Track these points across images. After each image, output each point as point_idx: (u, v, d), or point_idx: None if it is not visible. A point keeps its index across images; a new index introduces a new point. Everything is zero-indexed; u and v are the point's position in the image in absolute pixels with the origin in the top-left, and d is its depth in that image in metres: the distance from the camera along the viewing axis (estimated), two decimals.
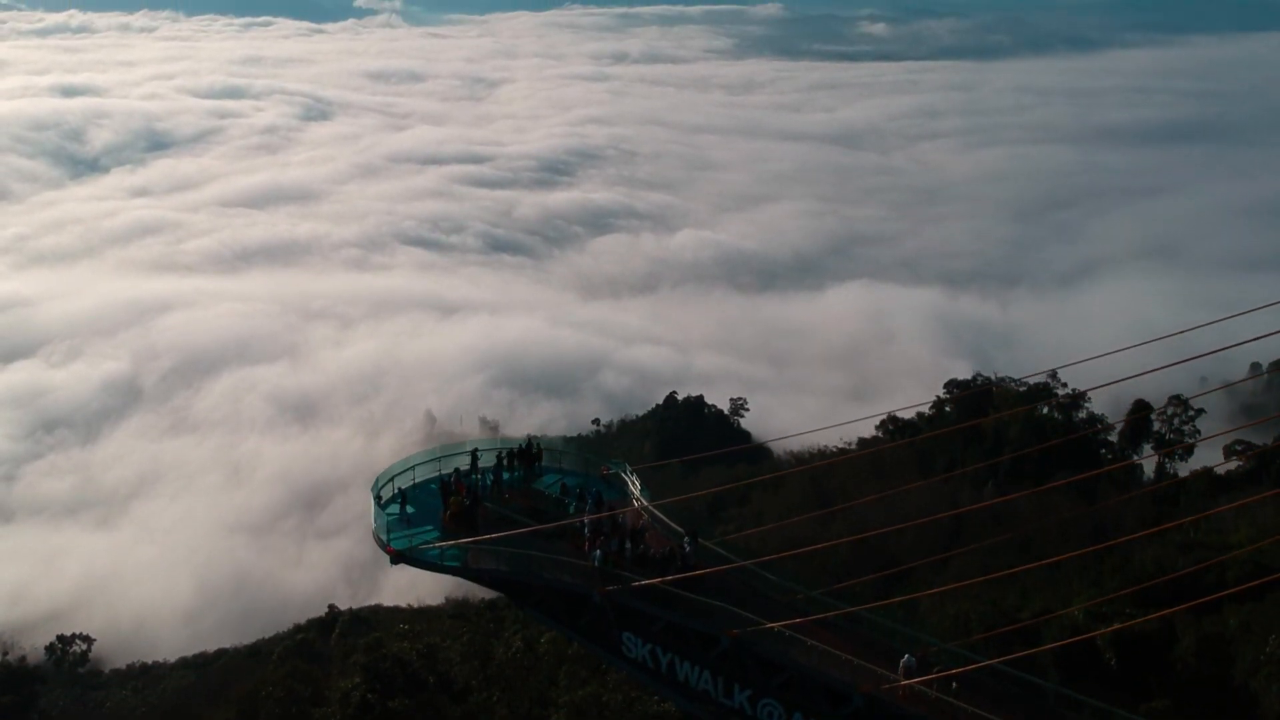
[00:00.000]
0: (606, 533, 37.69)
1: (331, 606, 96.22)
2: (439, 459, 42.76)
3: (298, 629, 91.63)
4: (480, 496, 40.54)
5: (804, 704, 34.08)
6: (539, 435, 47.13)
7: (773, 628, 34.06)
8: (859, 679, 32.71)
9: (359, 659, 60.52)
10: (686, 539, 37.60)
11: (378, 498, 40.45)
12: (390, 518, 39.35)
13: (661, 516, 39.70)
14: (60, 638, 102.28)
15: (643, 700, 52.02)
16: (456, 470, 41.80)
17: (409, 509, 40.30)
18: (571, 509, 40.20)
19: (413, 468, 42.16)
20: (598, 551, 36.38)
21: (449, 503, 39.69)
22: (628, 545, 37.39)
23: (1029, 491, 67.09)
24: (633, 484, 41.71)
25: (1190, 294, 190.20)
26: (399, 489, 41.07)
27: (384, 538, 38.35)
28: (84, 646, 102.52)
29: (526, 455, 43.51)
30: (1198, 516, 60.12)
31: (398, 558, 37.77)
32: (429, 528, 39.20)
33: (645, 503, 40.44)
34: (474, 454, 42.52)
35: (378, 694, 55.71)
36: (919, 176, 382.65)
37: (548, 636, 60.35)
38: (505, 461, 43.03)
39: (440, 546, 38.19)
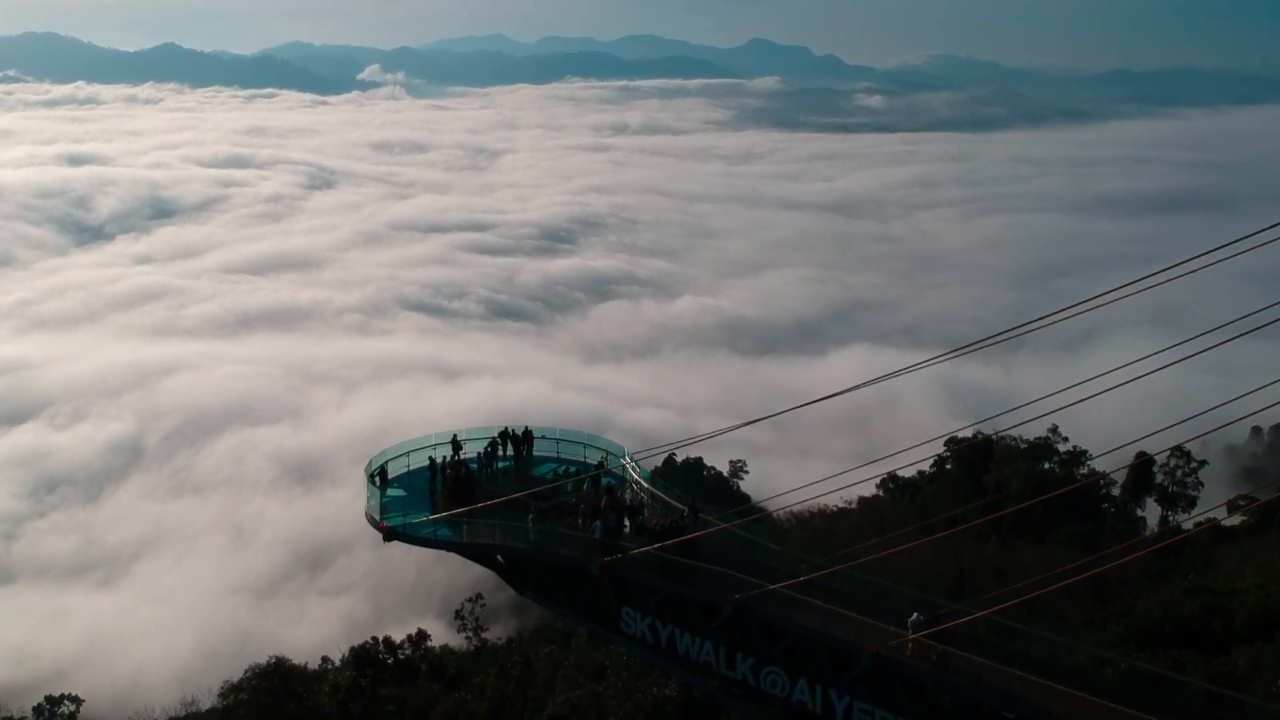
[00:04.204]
0: (604, 508, 37.38)
1: (325, 659, 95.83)
2: (433, 445, 42.66)
3: None
4: (475, 479, 40.40)
5: (809, 670, 33.19)
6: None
7: (774, 589, 33.24)
8: (865, 639, 31.88)
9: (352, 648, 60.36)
10: (687, 512, 37.33)
11: (371, 478, 40.25)
12: (386, 499, 39.33)
13: (661, 495, 39.46)
14: (48, 698, 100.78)
15: (641, 690, 51.86)
16: (449, 457, 41.78)
17: (401, 491, 40.17)
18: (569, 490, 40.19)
19: (408, 454, 42.11)
20: (597, 524, 36.06)
21: (445, 477, 39.53)
22: (626, 521, 37.24)
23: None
24: (632, 468, 41.74)
25: (1189, 358, 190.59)
26: (386, 469, 40.90)
27: (377, 517, 38.28)
28: (73, 708, 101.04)
29: (522, 440, 43.38)
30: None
31: (390, 534, 37.48)
32: (422, 510, 39.01)
33: (644, 483, 40.44)
34: (455, 440, 42.42)
35: (368, 679, 55.61)
36: (918, 244, 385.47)
37: (544, 651, 60.38)
38: (500, 446, 42.90)
39: (434, 520, 37.84)
